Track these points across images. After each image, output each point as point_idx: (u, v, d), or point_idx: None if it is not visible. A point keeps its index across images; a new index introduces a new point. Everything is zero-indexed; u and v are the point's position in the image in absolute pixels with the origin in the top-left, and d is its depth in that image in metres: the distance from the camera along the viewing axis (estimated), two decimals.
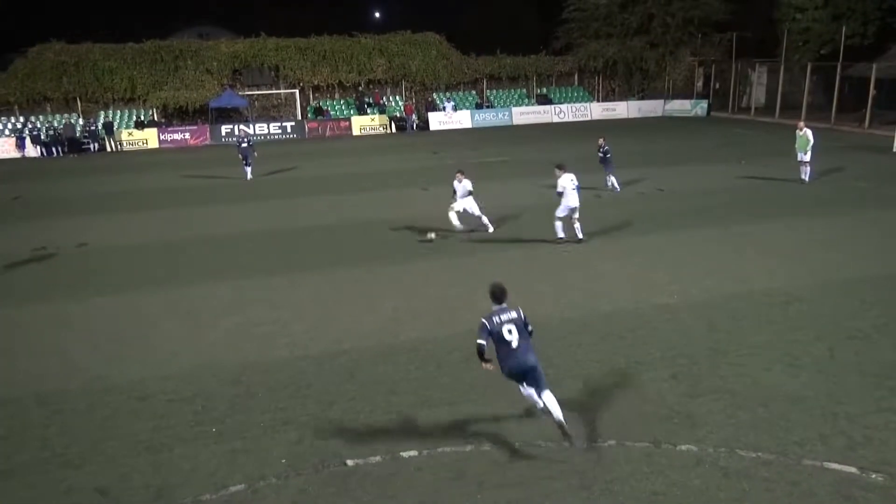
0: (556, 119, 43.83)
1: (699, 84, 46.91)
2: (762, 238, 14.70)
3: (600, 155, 20.49)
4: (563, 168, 14.68)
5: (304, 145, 36.93)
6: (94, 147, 37.91)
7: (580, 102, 45.92)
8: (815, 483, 6.32)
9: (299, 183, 24.47)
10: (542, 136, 34.56)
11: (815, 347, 9.19)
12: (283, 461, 6.97)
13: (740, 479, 6.42)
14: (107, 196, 23.23)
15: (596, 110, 45.18)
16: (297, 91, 42.68)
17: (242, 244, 15.94)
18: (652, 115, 44.36)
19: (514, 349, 6.87)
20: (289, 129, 40.81)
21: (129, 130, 38.58)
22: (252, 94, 41.75)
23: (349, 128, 41.48)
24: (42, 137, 37.21)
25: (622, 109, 45.31)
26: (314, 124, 41.49)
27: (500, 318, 6.94)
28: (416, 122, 42.59)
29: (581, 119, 43.78)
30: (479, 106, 45.05)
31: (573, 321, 10.43)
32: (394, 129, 42.08)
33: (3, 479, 6.93)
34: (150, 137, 38.32)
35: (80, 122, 39.35)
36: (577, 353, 9.28)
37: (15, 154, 36.56)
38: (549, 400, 6.93)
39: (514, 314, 7.00)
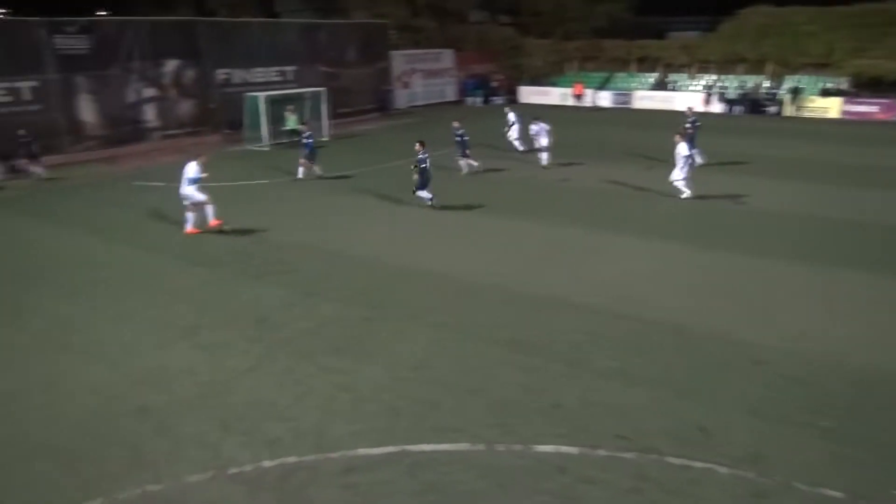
0: None
1: None
2: None
3: None
4: None
5: None
6: (773, 110, 38.40)
7: None
8: None
9: None
10: None
11: None
12: None
13: None
14: (776, 160, 23.43)
15: None
16: None
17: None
18: None
19: (427, 169, 16.65)
20: None
21: (812, 97, 37.57)
22: None
23: None
24: (727, 95, 39.80)
25: None
26: None
27: (425, 156, 16.49)
28: None
29: None
30: None
31: None
32: None
33: (637, 387, 8.35)
34: (832, 107, 36.53)
35: (766, 84, 40.33)
36: None
37: (701, 108, 40.20)
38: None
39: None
